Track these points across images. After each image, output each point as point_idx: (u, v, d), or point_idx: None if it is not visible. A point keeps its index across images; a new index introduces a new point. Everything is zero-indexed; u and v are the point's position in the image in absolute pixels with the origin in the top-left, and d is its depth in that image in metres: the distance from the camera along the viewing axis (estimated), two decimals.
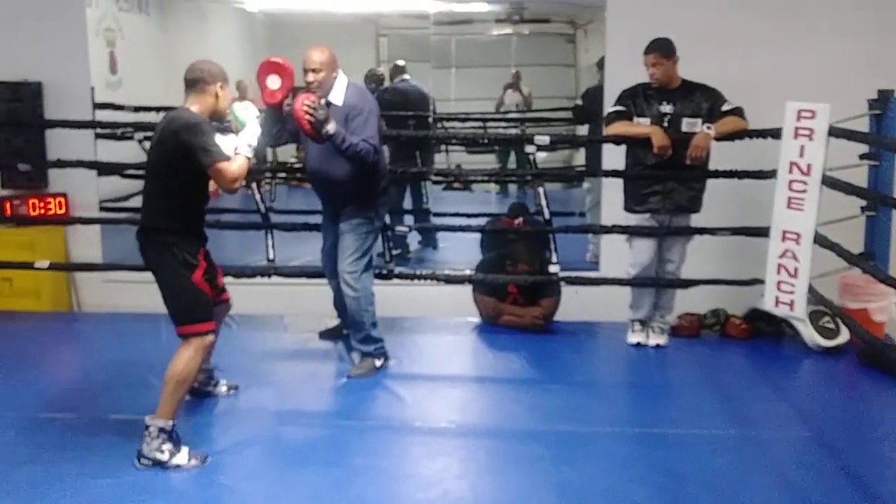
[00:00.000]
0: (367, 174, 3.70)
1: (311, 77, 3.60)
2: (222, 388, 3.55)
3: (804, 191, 4.05)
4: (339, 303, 4.06)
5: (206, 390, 3.50)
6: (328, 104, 3.62)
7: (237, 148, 2.98)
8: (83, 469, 2.91)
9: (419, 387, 3.76)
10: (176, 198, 2.96)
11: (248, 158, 2.98)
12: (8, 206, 5.01)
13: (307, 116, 3.42)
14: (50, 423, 3.28)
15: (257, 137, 3.04)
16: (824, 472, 2.98)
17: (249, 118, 3.04)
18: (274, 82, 3.52)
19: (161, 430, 2.90)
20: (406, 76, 6.06)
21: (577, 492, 2.82)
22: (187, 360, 2.93)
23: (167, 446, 2.90)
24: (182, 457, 2.92)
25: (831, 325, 4.24)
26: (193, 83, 2.99)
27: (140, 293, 4.84)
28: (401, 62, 6.14)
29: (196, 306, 2.98)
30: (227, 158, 2.91)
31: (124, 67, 5.62)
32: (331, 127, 3.47)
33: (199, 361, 3.00)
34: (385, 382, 3.77)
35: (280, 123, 3.73)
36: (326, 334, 4.32)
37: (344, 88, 3.66)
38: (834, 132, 3.96)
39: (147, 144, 4.80)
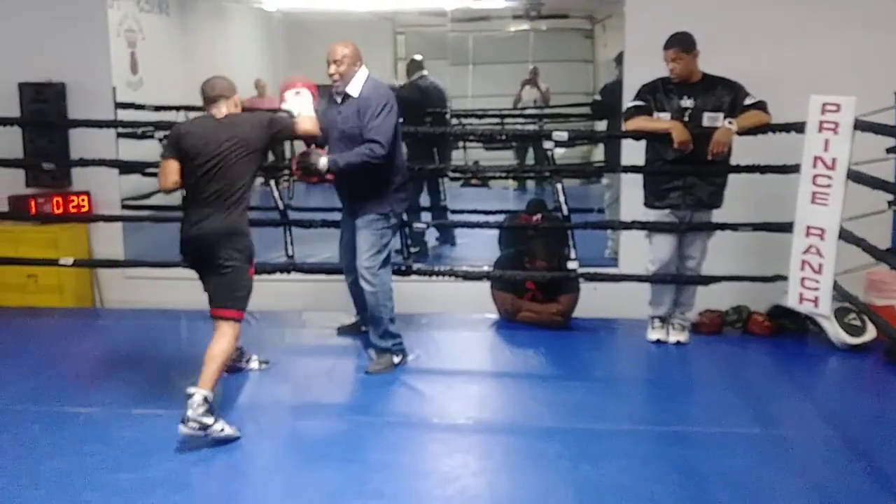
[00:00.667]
0: (382, 170, 3.70)
1: (332, 69, 3.68)
2: (254, 364, 3.81)
3: (829, 185, 3.98)
4: (357, 299, 4.07)
5: (239, 366, 3.72)
6: (346, 96, 3.67)
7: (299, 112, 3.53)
8: (105, 463, 2.94)
9: (437, 383, 3.75)
10: (246, 197, 3.29)
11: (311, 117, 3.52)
12: (33, 204, 5.08)
13: (298, 172, 3.69)
14: (73, 417, 3.32)
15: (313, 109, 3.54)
16: (850, 472, 2.93)
17: (298, 103, 3.55)
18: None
19: (205, 398, 3.05)
20: (424, 72, 6.04)
21: (596, 490, 2.80)
22: (231, 340, 3.21)
23: (212, 412, 3.06)
24: (222, 423, 3.08)
25: (857, 322, 4.17)
26: (217, 98, 3.32)
27: (161, 289, 4.94)
28: (418, 57, 6.12)
29: (247, 294, 3.31)
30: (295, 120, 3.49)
31: (145, 67, 5.68)
32: (322, 163, 3.62)
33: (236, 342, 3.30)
34: (403, 378, 3.77)
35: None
36: (344, 330, 4.33)
37: (362, 81, 3.70)
38: (859, 125, 3.90)
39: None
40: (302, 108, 3.53)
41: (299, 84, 3.63)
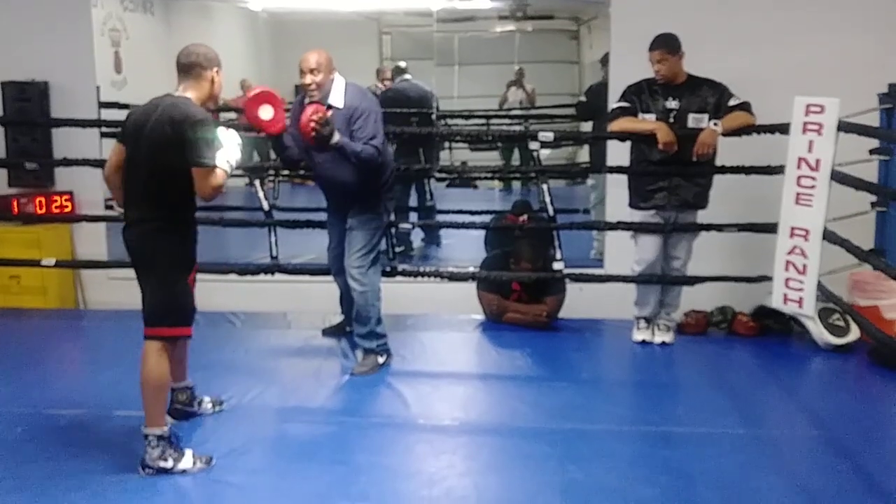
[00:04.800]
0: (374, 173, 3.70)
1: (308, 79, 3.54)
2: (207, 406, 3.37)
3: (813, 186, 4.01)
4: (345, 300, 4.06)
5: (190, 411, 3.30)
6: (329, 107, 3.60)
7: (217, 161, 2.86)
8: (89, 465, 2.91)
9: (423, 384, 3.74)
10: (176, 189, 2.80)
11: (226, 172, 2.83)
12: (15, 204, 5.04)
13: (312, 133, 3.42)
14: (56, 419, 3.28)
15: (235, 160, 2.89)
16: (834, 472, 2.95)
17: (230, 143, 2.90)
18: (266, 112, 3.44)
19: (159, 437, 2.85)
20: (407, 76, 6.05)
21: (582, 490, 2.80)
22: (154, 365, 2.86)
23: (169, 452, 2.86)
24: (187, 461, 2.88)
25: (841, 323, 4.20)
26: (189, 68, 2.84)
27: None
28: (402, 63, 6.12)
29: (186, 308, 2.92)
30: (215, 165, 2.79)
31: (129, 66, 5.65)
32: (336, 139, 3.47)
33: (167, 363, 2.89)
34: (388, 379, 3.76)
35: (289, 146, 3.73)
36: (329, 331, 4.32)
37: (343, 90, 3.62)
38: (843, 127, 3.92)
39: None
40: (220, 157, 2.83)
41: (261, 95, 3.37)
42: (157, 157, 2.79)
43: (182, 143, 2.74)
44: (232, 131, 2.93)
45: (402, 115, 5.68)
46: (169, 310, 2.90)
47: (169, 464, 2.85)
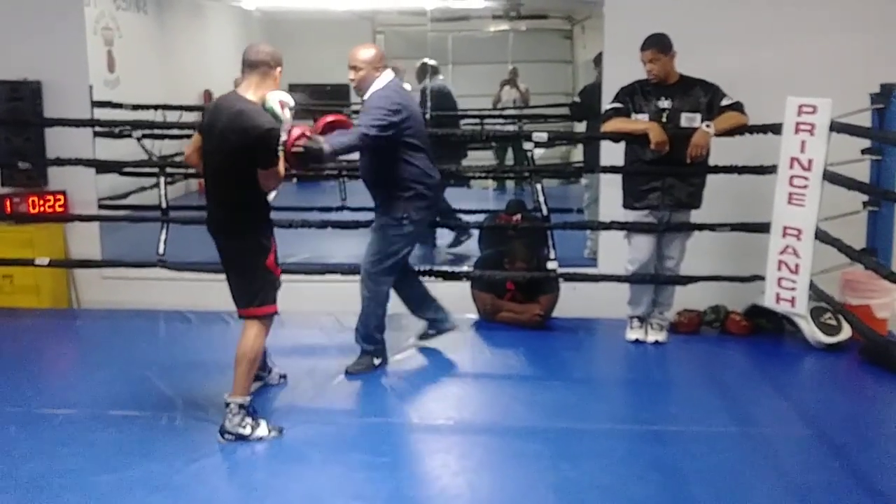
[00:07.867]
0: (391, 175, 3.62)
1: (351, 75, 3.61)
2: (275, 376, 3.63)
3: (805, 186, 4.03)
4: (405, 297, 3.99)
5: (261, 375, 3.50)
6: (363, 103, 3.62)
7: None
8: (83, 464, 2.91)
9: (417, 383, 3.75)
10: (253, 187, 3.00)
11: (284, 166, 3.07)
12: (8, 203, 5.01)
13: (294, 155, 3.27)
14: (50, 418, 3.28)
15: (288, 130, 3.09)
16: (826, 470, 2.97)
17: (285, 114, 3.04)
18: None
19: (240, 406, 3.05)
20: (439, 76, 5.99)
21: (576, 489, 2.81)
22: (254, 339, 3.08)
23: (248, 420, 3.06)
24: (262, 429, 3.09)
25: (833, 322, 4.22)
26: (256, 65, 2.99)
27: (138, 290, 4.90)
28: (431, 61, 6.00)
29: (266, 289, 3.10)
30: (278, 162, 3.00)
31: (122, 66, 5.64)
32: (326, 149, 3.34)
33: (264, 339, 3.12)
34: (383, 379, 3.77)
35: None
36: (424, 338, 4.14)
37: (377, 87, 3.59)
38: (835, 127, 3.94)
39: (147, 143, 4.88)
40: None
41: (332, 123, 3.46)
42: (232, 160, 2.99)
43: (252, 150, 2.93)
44: (283, 94, 3.04)
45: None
46: (251, 291, 3.08)
47: (247, 431, 3.05)
